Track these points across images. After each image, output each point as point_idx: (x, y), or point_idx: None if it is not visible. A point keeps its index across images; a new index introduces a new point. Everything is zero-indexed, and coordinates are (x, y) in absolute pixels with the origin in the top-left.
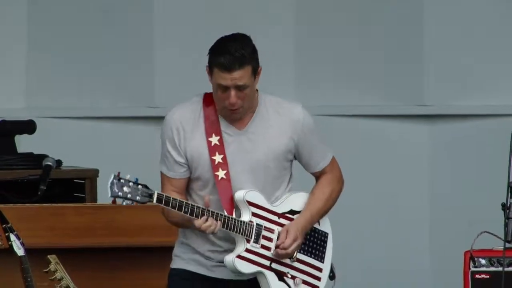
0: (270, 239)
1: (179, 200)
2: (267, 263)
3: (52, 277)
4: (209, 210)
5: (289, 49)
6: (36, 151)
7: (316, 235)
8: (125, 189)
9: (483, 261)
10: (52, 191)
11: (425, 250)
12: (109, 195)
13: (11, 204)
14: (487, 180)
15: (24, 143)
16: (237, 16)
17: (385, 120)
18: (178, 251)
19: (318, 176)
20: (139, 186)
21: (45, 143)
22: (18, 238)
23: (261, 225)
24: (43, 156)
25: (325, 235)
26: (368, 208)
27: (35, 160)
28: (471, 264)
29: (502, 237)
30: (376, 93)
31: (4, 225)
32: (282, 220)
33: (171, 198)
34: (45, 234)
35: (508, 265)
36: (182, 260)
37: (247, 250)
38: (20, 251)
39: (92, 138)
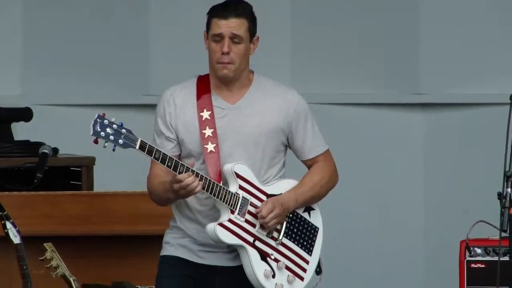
0: (256, 216)
1: (163, 153)
2: (250, 239)
3: (48, 265)
4: (193, 170)
5: (285, 37)
6: (33, 138)
7: (306, 226)
8: (108, 130)
9: (478, 251)
10: (49, 179)
11: (420, 239)
12: (91, 133)
13: (7, 192)
14: (483, 169)
15: (20, 131)
16: None
17: (380, 108)
18: (167, 238)
19: (310, 165)
20: (123, 130)
21: (41, 131)
22: (14, 226)
23: (247, 199)
24: (40, 144)
25: (315, 229)
26: (362, 197)
27: (32, 147)
28: (467, 253)
29: (498, 226)
30: (371, 81)
31: (0, 213)
32: None
33: (155, 148)
34: (41, 222)
35: (504, 255)
36: (171, 247)
37: (230, 221)
38: (16, 239)
39: (88, 126)
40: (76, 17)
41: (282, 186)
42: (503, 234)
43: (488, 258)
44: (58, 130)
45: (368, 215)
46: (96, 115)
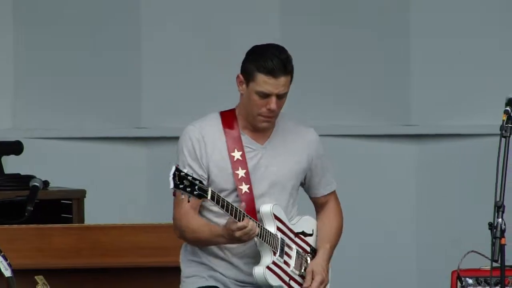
0: (289, 256)
1: (227, 201)
2: (286, 279)
3: None
4: (249, 216)
5: None
6: (23, 172)
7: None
8: (185, 182)
9: (470, 281)
10: (39, 212)
11: (412, 269)
12: (171, 186)
13: None
14: (474, 200)
15: (11, 164)
16: (224, 36)
17: (371, 139)
18: (192, 271)
19: (322, 202)
20: (197, 181)
21: (32, 164)
22: (5, 259)
23: (284, 240)
24: (30, 177)
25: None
26: (354, 227)
27: (22, 181)
28: (458, 283)
29: (489, 256)
30: (362, 113)
31: None
32: (297, 240)
33: (221, 197)
34: (32, 255)
35: (495, 285)
36: (201, 278)
37: (274, 263)
38: (7, 272)
39: (79, 159)
40: (67, 50)
41: (304, 224)
42: (494, 264)
43: None
44: (49, 163)
45: (359, 245)
46: (174, 168)
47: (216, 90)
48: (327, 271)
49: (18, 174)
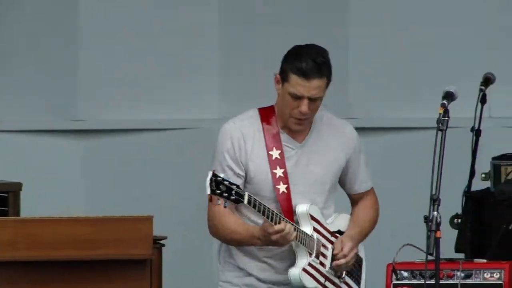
0: (325, 256)
1: (263, 204)
2: (322, 280)
3: None
4: (286, 219)
5: (213, 61)
6: None
7: (357, 259)
8: (221, 187)
9: (405, 274)
10: None
11: None
12: (208, 192)
13: None
14: (410, 193)
15: None
16: (161, 28)
17: None
18: (228, 277)
19: (358, 198)
20: (234, 186)
21: None
22: None
23: (320, 241)
24: None
25: (361, 260)
26: None
27: None
28: (393, 276)
29: (424, 249)
30: None
31: None
32: (333, 239)
33: (258, 201)
34: None
35: (430, 278)
36: (233, 286)
37: (310, 264)
38: None
39: (15, 151)
40: (2, 44)
41: (340, 222)
42: (429, 257)
43: (414, 281)
44: None
45: None
46: (211, 174)
47: (152, 82)
48: (355, 243)
49: None
